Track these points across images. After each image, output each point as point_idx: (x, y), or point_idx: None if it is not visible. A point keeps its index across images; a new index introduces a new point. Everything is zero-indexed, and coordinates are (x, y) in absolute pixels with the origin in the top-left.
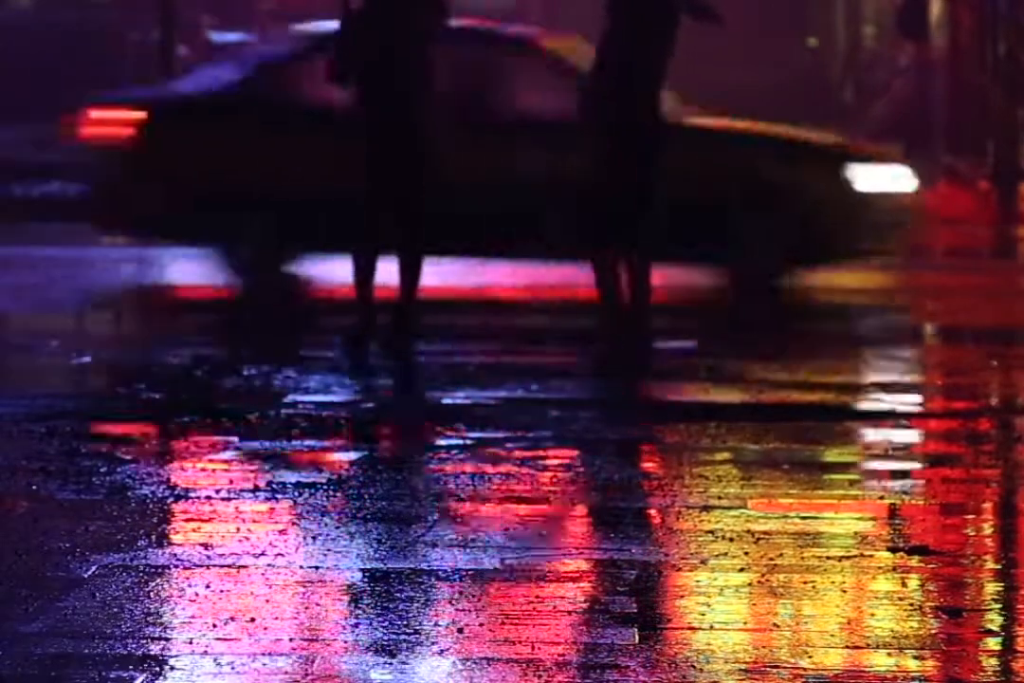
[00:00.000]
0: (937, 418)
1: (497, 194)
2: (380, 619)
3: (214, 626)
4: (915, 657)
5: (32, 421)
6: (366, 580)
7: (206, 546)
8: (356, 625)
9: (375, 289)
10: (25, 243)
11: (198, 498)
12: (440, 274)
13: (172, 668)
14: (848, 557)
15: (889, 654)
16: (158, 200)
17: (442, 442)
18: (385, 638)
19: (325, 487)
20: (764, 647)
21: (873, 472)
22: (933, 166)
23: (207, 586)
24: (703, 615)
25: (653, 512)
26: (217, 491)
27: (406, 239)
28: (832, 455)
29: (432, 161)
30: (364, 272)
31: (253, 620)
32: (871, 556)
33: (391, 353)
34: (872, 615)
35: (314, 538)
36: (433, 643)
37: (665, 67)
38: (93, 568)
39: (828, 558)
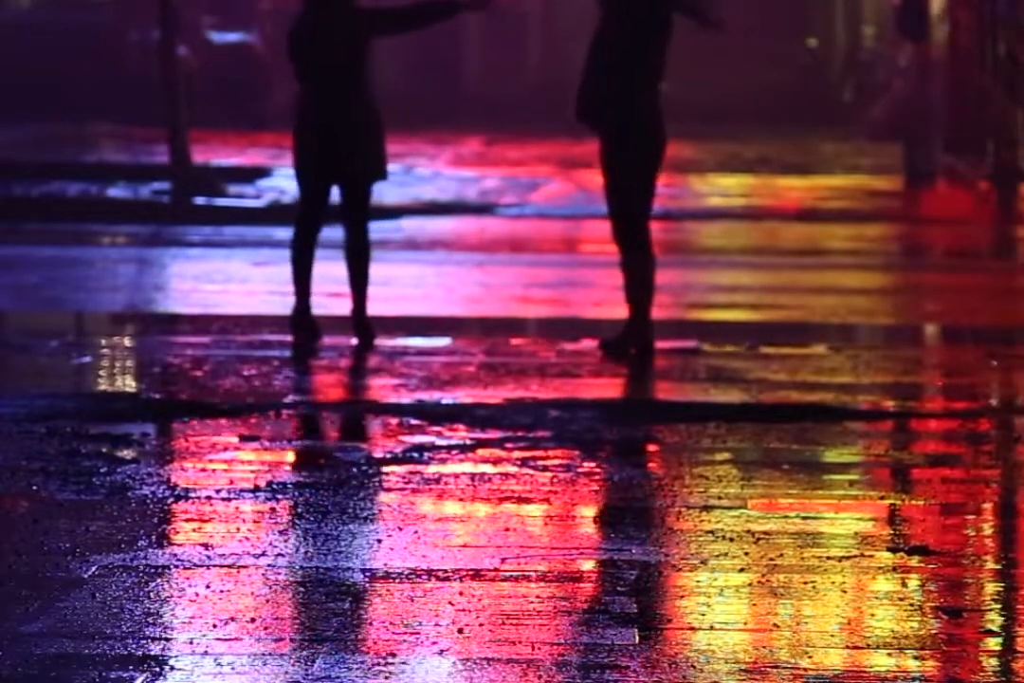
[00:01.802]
0: (937, 418)
1: None
2: (380, 619)
3: (214, 626)
4: (915, 657)
5: (32, 421)
6: (366, 580)
7: (206, 546)
8: (356, 625)
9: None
10: (25, 243)
11: (198, 498)
12: (441, 275)
13: (172, 668)
14: (848, 557)
15: (889, 654)
16: None
17: (442, 442)
18: (385, 638)
19: (325, 487)
20: (764, 647)
21: (873, 472)
22: (932, 166)
23: (207, 586)
24: (703, 615)
25: (653, 512)
26: (217, 491)
27: (353, 237)
28: (832, 455)
29: (382, 162)
30: (302, 265)
31: (253, 620)
32: (871, 556)
33: (362, 349)
34: (872, 615)
35: (314, 538)
36: (433, 643)
37: (662, 66)
38: (93, 568)
39: (828, 558)
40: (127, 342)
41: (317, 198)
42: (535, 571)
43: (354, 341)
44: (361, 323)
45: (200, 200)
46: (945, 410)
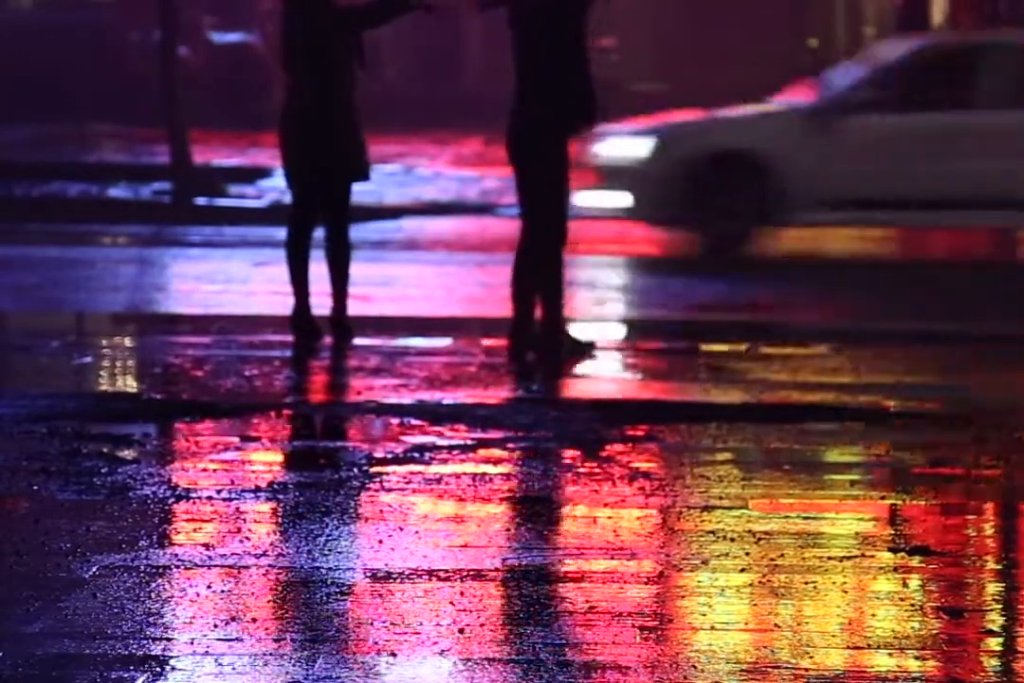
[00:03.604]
0: (937, 418)
1: None
2: (380, 619)
3: (215, 626)
4: (916, 657)
5: (33, 421)
6: (366, 580)
7: (207, 546)
8: (356, 625)
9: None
10: (25, 243)
11: (199, 498)
12: (441, 275)
13: (173, 668)
14: (849, 557)
15: (890, 654)
16: None
17: (443, 442)
18: (385, 638)
19: (326, 487)
20: (765, 647)
21: (874, 472)
22: None
23: (208, 586)
24: (704, 615)
25: (654, 512)
26: (218, 491)
27: (333, 236)
28: (833, 455)
29: (365, 162)
30: (299, 265)
31: (254, 620)
32: (872, 556)
33: (337, 346)
34: (873, 615)
35: (315, 538)
36: (434, 643)
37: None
38: (94, 568)
39: (829, 558)
40: (128, 342)
41: (308, 198)
42: (535, 571)
43: (328, 340)
44: (340, 322)
45: (201, 200)
46: (946, 410)
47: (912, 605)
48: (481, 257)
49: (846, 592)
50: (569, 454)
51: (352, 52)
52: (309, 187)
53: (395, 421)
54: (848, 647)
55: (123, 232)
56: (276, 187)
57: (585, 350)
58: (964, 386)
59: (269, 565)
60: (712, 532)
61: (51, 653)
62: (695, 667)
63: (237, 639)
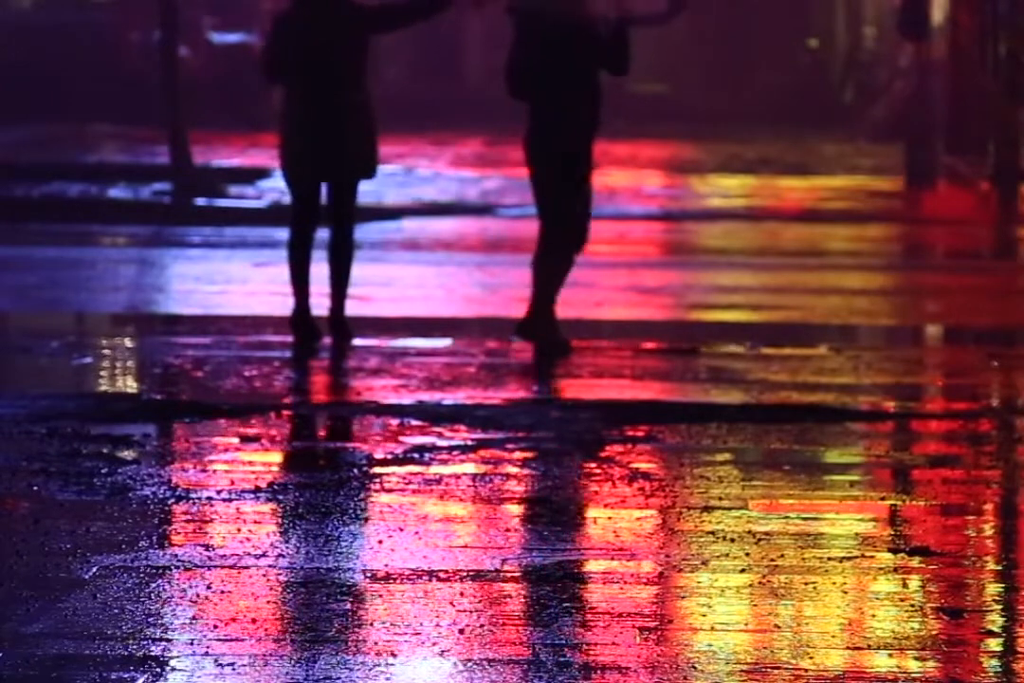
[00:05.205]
0: (937, 419)
1: None
2: (380, 619)
3: (215, 627)
4: (916, 658)
5: (32, 422)
6: (366, 580)
7: (207, 547)
8: (356, 625)
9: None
10: (25, 243)
11: (199, 499)
12: (441, 275)
13: (173, 669)
14: (849, 558)
15: (890, 655)
16: None
17: (443, 443)
18: (386, 638)
19: (326, 488)
20: (765, 648)
21: (874, 473)
22: (933, 166)
23: (208, 587)
24: (704, 616)
25: (654, 513)
26: (218, 492)
27: (337, 235)
28: (833, 456)
29: (372, 161)
30: (299, 266)
31: (255, 621)
32: (872, 557)
33: (336, 346)
34: (873, 616)
35: (315, 539)
36: (434, 644)
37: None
38: (94, 569)
39: (829, 559)
40: (128, 343)
41: (308, 198)
42: (535, 571)
43: (328, 340)
44: (338, 322)
45: (201, 201)
46: (946, 411)
47: (912, 606)
48: (481, 258)
49: (846, 593)
50: (569, 455)
51: (359, 51)
52: (308, 188)
53: (395, 422)
54: (848, 647)
55: (123, 232)
56: (276, 187)
57: (563, 349)
58: (966, 386)
59: (269, 565)
60: (712, 533)
61: (51, 653)
62: (695, 667)
63: (237, 639)
